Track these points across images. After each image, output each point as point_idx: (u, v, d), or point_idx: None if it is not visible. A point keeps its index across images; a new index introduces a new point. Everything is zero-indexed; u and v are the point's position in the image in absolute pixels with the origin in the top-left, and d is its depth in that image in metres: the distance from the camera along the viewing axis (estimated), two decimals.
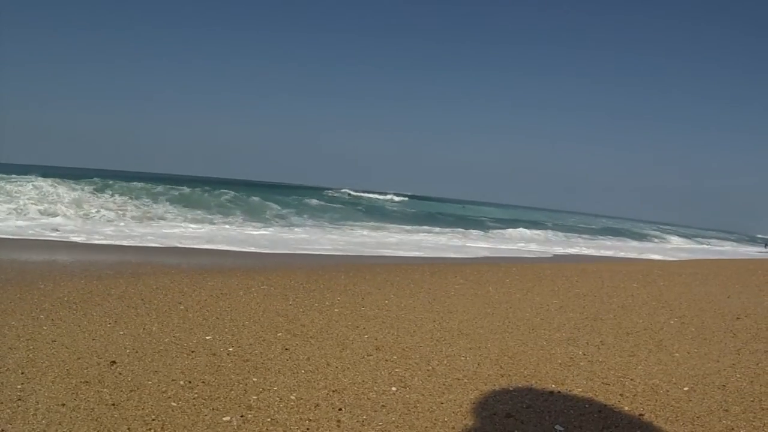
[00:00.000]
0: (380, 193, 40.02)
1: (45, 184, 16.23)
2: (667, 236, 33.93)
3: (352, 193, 37.96)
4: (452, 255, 12.66)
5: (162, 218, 15.98)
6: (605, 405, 3.07)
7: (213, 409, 2.76)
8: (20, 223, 11.82)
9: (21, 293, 4.99)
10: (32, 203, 14.14)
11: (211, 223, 16.17)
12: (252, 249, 10.52)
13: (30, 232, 10.19)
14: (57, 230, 10.71)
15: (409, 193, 43.29)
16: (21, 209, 13.67)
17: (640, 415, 2.94)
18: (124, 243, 9.71)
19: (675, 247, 28.16)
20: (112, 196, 17.48)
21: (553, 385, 3.36)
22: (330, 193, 35.63)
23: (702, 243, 33.14)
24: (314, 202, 25.09)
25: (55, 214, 13.85)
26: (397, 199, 38.76)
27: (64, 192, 15.86)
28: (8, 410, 2.58)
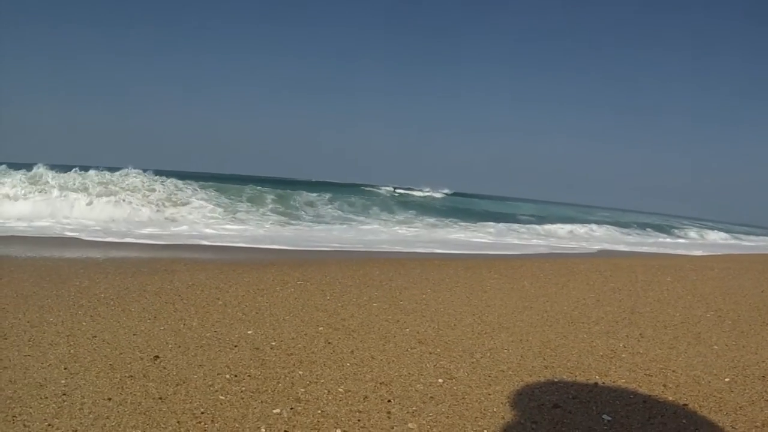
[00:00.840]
0: (421, 189, 39.78)
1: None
2: (698, 231, 33.58)
3: (391, 189, 37.70)
4: (485, 251, 12.68)
5: (187, 202, 16.05)
6: (649, 395, 3.12)
7: (262, 401, 2.81)
8: (43, 221, 12.00)
9: (57, 290, 5.07)
10: (53, 187, 14.18)
11: (236, 211, 16.17)
12: (284, 245, 10.61)
13: (54, 231, 10.35)
14: (84, 229, 10.86)
15: (448, 191, 42.90)
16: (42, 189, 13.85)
17: (684, 404, 2.99)
18: (151, 242, 9.85)
19: (706, 242, 27.93)
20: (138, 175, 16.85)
21: (597, 377, 3.41)
22: (369, 189, 35.49)
23: (735, 238, 32.73)
24: (351, 198, 24.98)
25: (77, 190, 14.00)
26: (437, 195, 38.66)
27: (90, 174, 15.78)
28: (54, 405, 2.62)
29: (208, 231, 12.23)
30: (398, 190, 37.13)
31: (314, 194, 22.34)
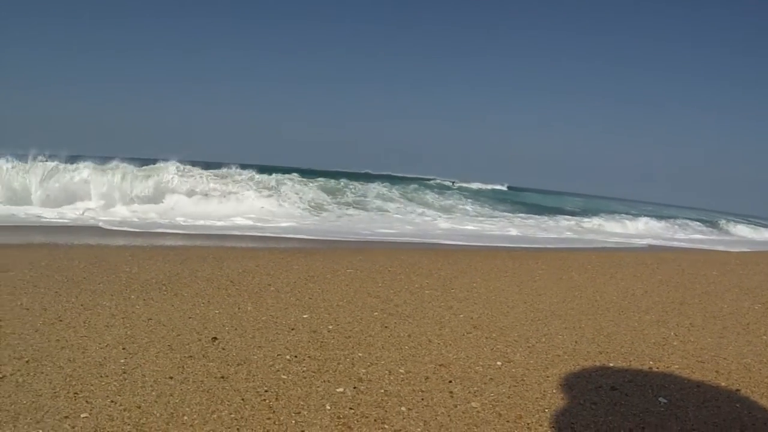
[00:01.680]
0: (476, 183, 39.52)
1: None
2: (750, 228, 32.90)
3: (448, 183, 37.34)
4: (531, 244, 12.66)
5: (230, 176, 16.19)
6: (702, 381, 3.22)
7: (324, 381, 2.91)
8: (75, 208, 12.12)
9: (107, 276, 5.16)
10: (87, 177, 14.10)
11: (279, 194, 16.19)
12: (329, 235, 10.72)
13: (97, 221, 10.43)
14: (127, 219, 11.02)
15: (501, 186, 42.60)
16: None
17: (737, 390, 3.10)
18: (196, 232, 9.93)
19: (754, 239, 27.45)
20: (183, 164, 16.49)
21: (651, 362, 3.52)
22: (424, 181, 35.12)
23: None
24: (402, 187, 24.68)
25: (116, 178, 13.98)
26: (492, 187, 38.53)
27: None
28: (115, 383, 2.71)
29: (250, 222, 12.31)
30: (457, 184, 36.90)
31: (360, 182, 22.28)
